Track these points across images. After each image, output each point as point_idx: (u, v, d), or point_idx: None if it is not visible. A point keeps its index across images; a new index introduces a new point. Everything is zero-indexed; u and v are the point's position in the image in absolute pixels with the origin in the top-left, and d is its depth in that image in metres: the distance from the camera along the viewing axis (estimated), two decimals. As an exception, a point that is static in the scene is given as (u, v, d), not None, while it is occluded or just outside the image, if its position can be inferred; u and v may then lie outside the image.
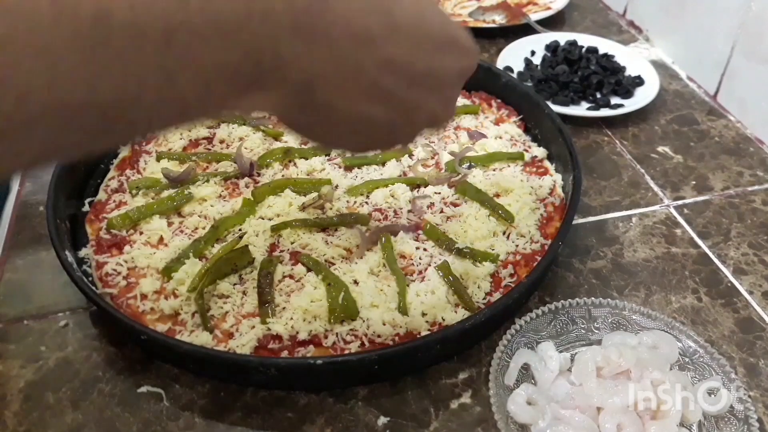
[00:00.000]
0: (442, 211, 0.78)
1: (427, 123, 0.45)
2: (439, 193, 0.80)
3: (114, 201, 0.80)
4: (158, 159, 0.85)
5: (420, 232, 0.75)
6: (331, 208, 0.78)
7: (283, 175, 0.83)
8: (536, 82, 1.03)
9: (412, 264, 0.72)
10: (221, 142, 0.89)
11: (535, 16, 1.21)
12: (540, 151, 0.87)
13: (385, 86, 0.38)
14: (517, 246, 0.74)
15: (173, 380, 0.64)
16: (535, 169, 0.85)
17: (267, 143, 0.88)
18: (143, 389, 0.63)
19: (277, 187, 0.80)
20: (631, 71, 1.06)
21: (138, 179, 0.82)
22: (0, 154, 0.29)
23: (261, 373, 0.60)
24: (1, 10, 0.26)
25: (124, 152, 0.87)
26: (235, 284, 0.69)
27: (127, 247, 0.73)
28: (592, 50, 1.09)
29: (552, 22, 1.22)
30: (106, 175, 0.84)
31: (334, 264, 0.71)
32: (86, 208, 0.80)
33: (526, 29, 1.18)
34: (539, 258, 0.71)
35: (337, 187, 0.81)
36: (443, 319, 0.65)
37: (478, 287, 0.69)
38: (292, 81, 0.35)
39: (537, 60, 1.11)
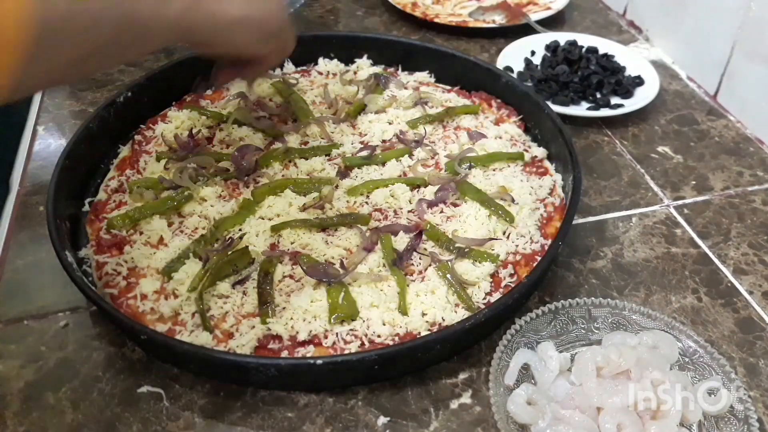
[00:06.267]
0: (442, 211, 0.78)
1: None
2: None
3: (114, 201, 0.80)
4: (158, 159, 0.84)
5: (423, 238, 0.75)
6: (331, 209, 0.78)
7: (283, 175, 0.83)
8: (536, 82, 1.03)
9: (412, 264, 0.72)
10: (221, 142, 0.89)
11: (535, 16, 1.21)
12: (540, 151, 0.87)
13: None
14: (517, 246, 0.74)
15: (173, 380, 0.64)
16: (535, 169, 0.85)
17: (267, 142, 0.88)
18: (143, 389, 0.63)
19: (277, 187, 0.80)
20: (631, 71, 1.05)
21: (138, 179, 0.82)
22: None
23: (261, 373, 0.60)
24: None
25: (124, 152, 0.87)
26: (235, 284, 0.69)
27: (127, 247, 0.73)
28: (592, 50, 1.09)
29: (552, 22, 1.22)
30: (106, 175, 0.84)
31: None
32: (86, 208, 0.80)
33: (526, 29, 1.18)
34: (539, 258, 0.71)
35: (337, 187, 0.81)
36: (443, 319, 0.65)
37: (478, 287, 0.69)
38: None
39: (537, 60, 1.11)
